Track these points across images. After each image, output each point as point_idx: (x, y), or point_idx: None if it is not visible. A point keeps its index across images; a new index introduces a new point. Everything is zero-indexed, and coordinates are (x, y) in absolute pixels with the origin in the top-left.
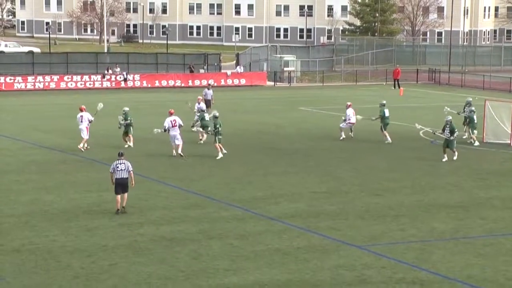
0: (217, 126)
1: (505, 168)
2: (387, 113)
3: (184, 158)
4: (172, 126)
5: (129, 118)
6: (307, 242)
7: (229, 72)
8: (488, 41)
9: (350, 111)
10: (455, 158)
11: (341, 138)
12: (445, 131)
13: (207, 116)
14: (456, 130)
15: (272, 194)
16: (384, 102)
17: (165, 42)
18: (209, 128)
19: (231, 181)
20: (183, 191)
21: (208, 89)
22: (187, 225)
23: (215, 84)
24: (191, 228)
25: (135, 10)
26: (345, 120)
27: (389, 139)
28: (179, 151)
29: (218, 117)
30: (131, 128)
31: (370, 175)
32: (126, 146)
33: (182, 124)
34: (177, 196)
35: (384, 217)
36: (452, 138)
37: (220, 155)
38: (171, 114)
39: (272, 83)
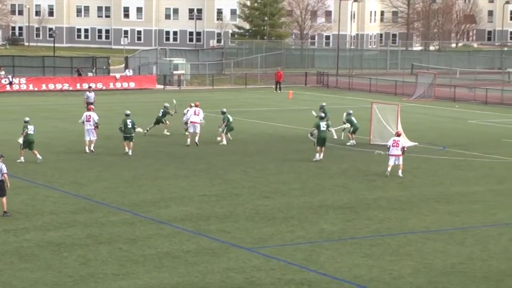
0: (226, 120)
1: (391, 170)
2: (355, 121)
3: (92, 153)
4: (87, 121)
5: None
6: (196, 245)
7: (118, 75)
8: (374, 45)
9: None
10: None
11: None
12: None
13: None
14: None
15: (162, 198)
16: (351, 111)
17: (52, 45)
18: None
19: (120, 185)
20: (72, 195)
21: (90, 92)
22: (75, 230)
23: (104, 88)
24: (79, 233)
25: (20, 12)
26: None
27: (354, 141)
28: (91, 148)
29: (226, 112)
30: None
31: (260, 177)
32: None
33: (97, 121)
34: (65, 200)
35: (273, 219)
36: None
37: (224, 142)
38: (89, 110)
39: (162, 86)
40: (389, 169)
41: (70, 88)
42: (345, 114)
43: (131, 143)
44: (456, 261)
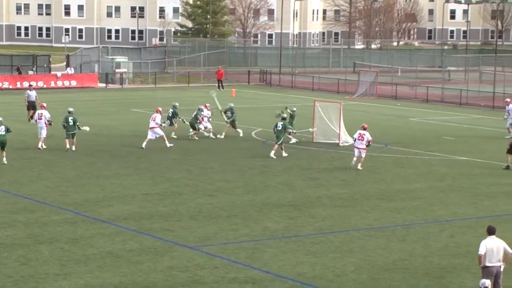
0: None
1: (333, 167)
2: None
3: (39, 150)
4: (39, 119)
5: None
6: (139, 245)
7: (59, 73)
8: (317, 43)
9: None
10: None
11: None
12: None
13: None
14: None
15: (105, 197)
16: (295, 109)
17: None
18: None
19: (62, 184)
20: (12, 195)
21: (30, 90)
22: (16, 230)
23: (45, 86)
24: (19, 233)
25: None
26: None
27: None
28: (41, 144)
29: (232, 108)
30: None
31: (203, 176)
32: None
33: (49, 119)
34: (5, 200)
35: (217, 218)
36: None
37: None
38: (42, 107)
39: (104, 85)
40: (354, 159)
41: (10, 87)
42: (288, 110)
43: (74, 139)
44: (398, 257)
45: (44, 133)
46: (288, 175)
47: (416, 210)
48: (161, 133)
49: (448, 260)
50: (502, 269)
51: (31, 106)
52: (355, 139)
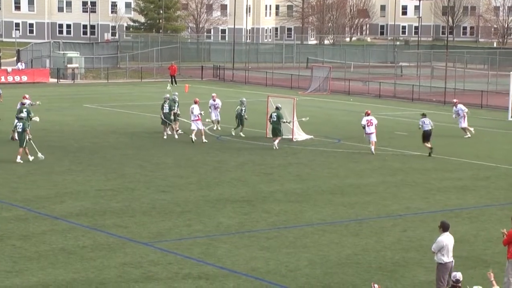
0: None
1: (287, 163)
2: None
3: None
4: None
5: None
6: (92, 241)
7: (9, 68)
8: (270, 38)
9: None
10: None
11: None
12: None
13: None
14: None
15: (57, 193)
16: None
17: None
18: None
19: (13, 180)
20: None
21: None
22: None
23: None
24: None
25: None
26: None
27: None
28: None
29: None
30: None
31: (156, 171)
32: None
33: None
34: None
35: (170, 213)
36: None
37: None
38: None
39: (56, 80)
40: (372, 147)
41: None
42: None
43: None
44: (351, 252)
45: None
46: (242, 170)
47: (369, 204)
48: (201, 126)
49: (401, 254)
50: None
51: None
52: (364, 125)
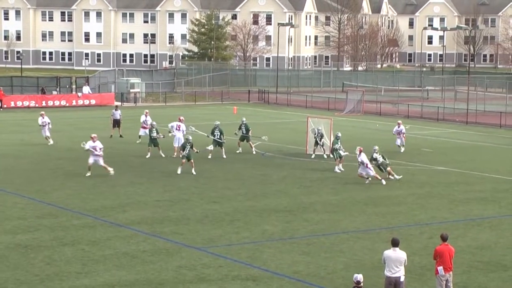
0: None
1: (324, 177)
2: (244, 130)
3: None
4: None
5: None
6: (152, 246)
7: (79, 93)
8: (309, 65)
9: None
10: None
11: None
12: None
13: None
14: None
15: (120, 203)
16: (244, 119)
17: (19, 66)
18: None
19: (82, 192)
20: (38, 202)
21: (116, 110)
22: (42, 233)
23: (67, 104)
24: (45, 236)
25: None
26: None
27: (240, 149)
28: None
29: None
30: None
31: (208, 184)
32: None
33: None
34: (32, 207)
35: (221, 222)
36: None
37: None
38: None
39: (120, 103)
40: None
41: (36, 105)
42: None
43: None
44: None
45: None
46: (284, 183)
47: (399, 214)
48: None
49: (428, 259)
50: (402, 279)
51: (116, 123)
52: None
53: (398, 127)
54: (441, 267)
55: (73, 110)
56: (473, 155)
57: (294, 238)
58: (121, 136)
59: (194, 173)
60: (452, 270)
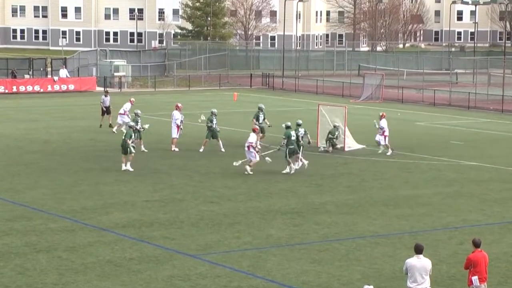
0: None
1: (338, 173)
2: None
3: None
4: None
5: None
6: (140, 253)
7: (56, 77)
8: (320, 45)
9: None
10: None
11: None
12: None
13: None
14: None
15: (104, 204)
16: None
17: None
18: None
19: (59, 191)
20: (8, 202)
21: (106, 96)
22: (12, 238)
23: (41, 90)
24: (16, 241)
25: None
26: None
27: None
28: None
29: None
30: None
31: (205, 182)
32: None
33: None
34: (1, 208)
35: (219, 225)
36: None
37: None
38: None
39: (102, 89)
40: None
41: (6, 91)
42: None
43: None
44: None
45: None
46: (292, 181)
47: (423, 216)
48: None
49: (457, 268)
50: None
51: (106, 111)
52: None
53: (380, 119)
54: (476, 277)
55: (48, 97)
56: (509, 148)
57: (303, 243)
58: (110, 125)
59: (131, 169)
60: (486, 280)
